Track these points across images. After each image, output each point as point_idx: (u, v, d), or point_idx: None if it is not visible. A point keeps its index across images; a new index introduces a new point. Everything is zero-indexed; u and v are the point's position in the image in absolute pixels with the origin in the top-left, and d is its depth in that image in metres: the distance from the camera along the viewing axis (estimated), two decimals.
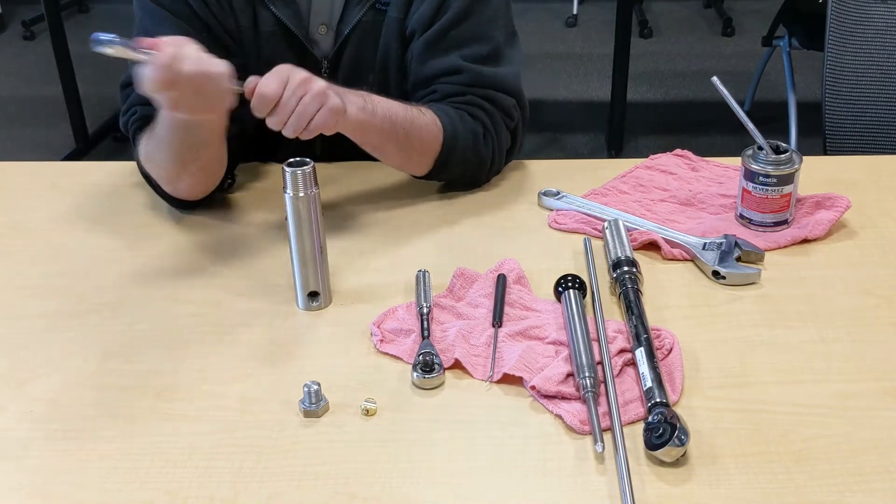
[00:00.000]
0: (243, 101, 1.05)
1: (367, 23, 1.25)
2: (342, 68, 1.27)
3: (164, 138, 1.10)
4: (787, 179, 1.12)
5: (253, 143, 1.32)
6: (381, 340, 0.96)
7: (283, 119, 1.03)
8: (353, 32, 1.25)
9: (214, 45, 1.20)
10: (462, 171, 1.24)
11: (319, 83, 1.04)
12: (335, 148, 1.33)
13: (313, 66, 1.26)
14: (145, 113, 1.18)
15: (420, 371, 0.90)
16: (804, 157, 1.15)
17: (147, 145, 1.15)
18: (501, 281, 1.02)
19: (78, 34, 4.55)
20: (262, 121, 1.30)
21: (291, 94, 1.02)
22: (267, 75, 1.03)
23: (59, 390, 0.91)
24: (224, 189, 1.25)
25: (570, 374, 0.89)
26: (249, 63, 1.25)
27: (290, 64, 1.05)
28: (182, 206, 1.22)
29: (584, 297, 1.00)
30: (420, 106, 1.20)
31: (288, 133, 1.04)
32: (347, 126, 1.11)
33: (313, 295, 1.02)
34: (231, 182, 1.26)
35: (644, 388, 0.86)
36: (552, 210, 1.21)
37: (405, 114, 1.17)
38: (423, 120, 1.19)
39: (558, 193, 1.23)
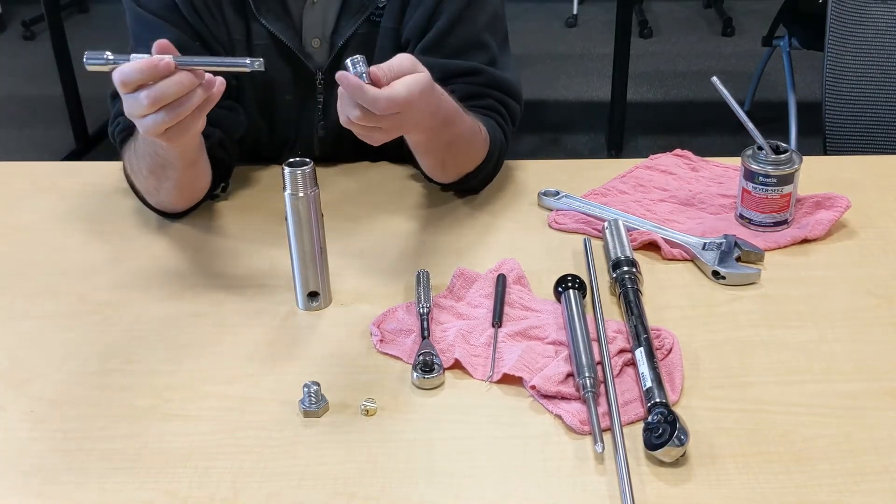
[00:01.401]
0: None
1: (361, 34, 1.23)
2: None
3: (141, 151, 1.10)
4: (787, 179, 1.12)
5: (256, 149, 1.32)
6: (381, 340, 0.96)
7: (356, 121, 0.95)
8: (347, 44, 1.23)
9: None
10: (481, 181, 1.25)
11: (394, 134, 0.98)
12: (336, 150, 1.33)
13: (308, 79, 1.26)
14: (128, 123, 1.17)
15: (420, 371, 0.90)
16: (804, 157, 1.15)
17: (130, 157, 1.15)
18: (501, 281, 1.02)
19: (78, 34, 4.57)
20: (271, 128, 1.31)
21: (379, 121, 0.95)
22: (408, 91, 0.94)
23: (59, 390, 0.91)
24: (216, 196, 1.24)
25: (569, 374, 0.89)
26: (243, 76, 1.25)
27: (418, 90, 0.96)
28: (167, 216, 1.21)
29: (584, 297, 1.00)
30: (480, 121, 1.17)
31: (342, 116, 0.97)
32: (408, 137, 1.09)
33: (313, 295, 1.02)
34: (225, 186, 1.25)
35: (644, 388, 0.86)
36: (552, 210, 1.21)
37: (470, 136, 1.14)
38: (479, 141, 1.17)
39: (558, 193, 1.23)
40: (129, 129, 1.17)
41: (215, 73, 0.95)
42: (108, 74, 0.94)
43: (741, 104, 1.14)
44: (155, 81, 0.90)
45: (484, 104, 1.22)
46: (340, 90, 0.95)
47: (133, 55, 0.92)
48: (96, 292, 1.07)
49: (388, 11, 1.22)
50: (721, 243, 1.09)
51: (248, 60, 0.94)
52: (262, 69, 0.94)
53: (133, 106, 0.92)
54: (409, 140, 1.11)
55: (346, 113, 0.95)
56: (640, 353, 0.90)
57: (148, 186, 1.15)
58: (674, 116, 3.72)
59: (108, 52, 0.93)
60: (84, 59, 0.93)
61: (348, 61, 0.93)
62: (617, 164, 1.32)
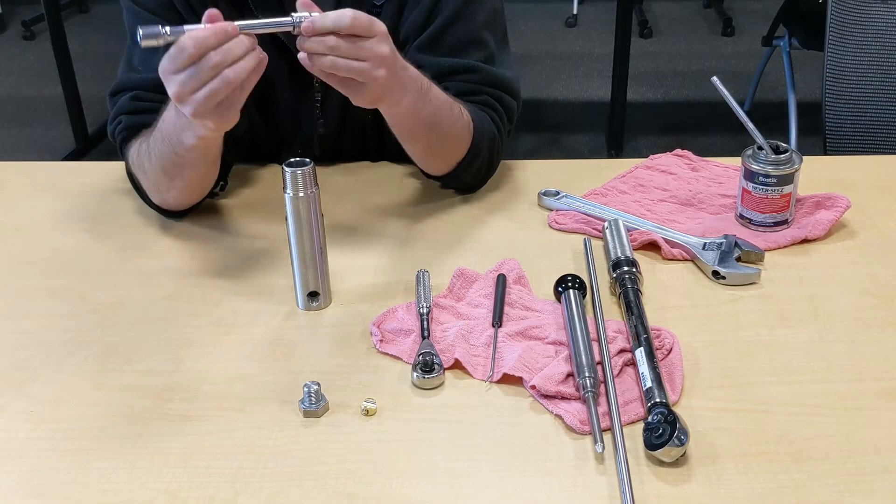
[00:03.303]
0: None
1: None
2: None
3: (157, 152, 1.09)
4: (787, 179, 1.12)
5: (256, 148, 1.32)
6: (381, 340, 0.96)
7: (323, 56, 0.96)
8: None
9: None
10: (474, 176, 1.24)
11: (382, 72, 0.98)
12: (336, 149, 1.33)
13: (306, 78, 1.26)
14: (130, 122, 1.18)
15: (420, 371, 0.90)
16: (804, 157, 1.16)
17: (139, 155, 1.14)
18: (501, 281, 1.02)
19: (78, 34, 4.57)
20: (269, 127, 1.30)
21: (357, 51, 0.95)
22: (365, 19, 0.96)
23: (59, 390, 0.91)
24: (215, 194, 1.24)
25: (570, 374, 0.89)
26: None
27: (386, 49, 0.97)
28: (169, 215, 1.21)
29: (584, 297, 1.00)
30: (461, 104, 1.18)
31: (315, 64, 0.97)
32: (388, 111, 1.08)
33: (313, 295, 1.02)
34: (223, 185, 1.25)
35: (644, 388, 0.86)
36: (552, 210, 1.21)
37: (448, 116, 1.14)
38: (461, 123, 1.17)
39: (558, 193, 1.23)
40: (132, 128, 1.17)
41: (265, 35, 0.97)
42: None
43: (741, 104, 1.14)
44: (218, 41, 0.91)
45: (479, 101, 1.22)
46: (305, 43, 0.96)
47: (186, 26, 0.93)
48: (96, 292, 1.07)
49: (386, 10, 1.22)
50: (721, 243, 1.09)
51: (290, 18, 0.96)
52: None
53: (191, 79, 0.91)
54: (393, 120, 1.11)
55: (321, 49, 0.95)
56: (640, 353, 0.90)
57: (158, 184, 1.14)
58: (674, 116, 3.72)
59: (162, 27, 0.92)
60: (139, 37, 0.92)
61: (290, 20, 0.95)
62: (617, 164, 1.32)
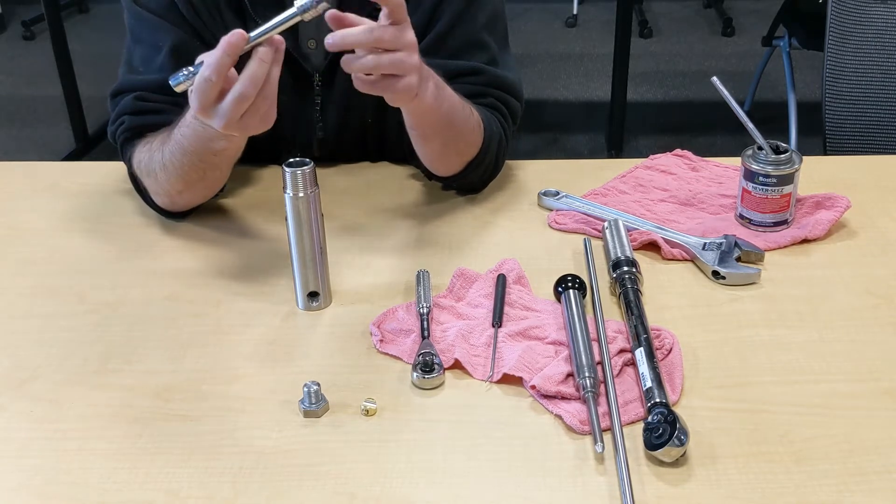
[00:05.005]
0: None
1: None
2: (337, 82, 1.26)
3: (175, 161, 1.09)
4: (787, 179, 1.12)
5: (255, 150, 1.32)
6: (381, 340, 0.96)
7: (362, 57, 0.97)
8: None
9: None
10: (480, 176, 1.24)
11: (416, 59, 1.00)
12: (335, 152, 1.33)
13: (306, 80, 1.26)
14: (133, 123, 1.17)
15: (420, 371, 0.90)
16: (804, 157, 1.16)
17: (149, 162, 1.13)
18: (501, 281, 1.02)
19: (78, 34, 4.57)
20: (269, 129, 1.30)
21: (386, 39, 0.96)
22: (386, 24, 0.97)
23: (59, 390, 0.91)
24: (215, 194, 1.24)
25: (569, 374, 0.89)
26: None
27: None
28: (170, 216, 1.20)
29: (584, 297, 1.01)
30: (471, 104, 1.18)
31: (351, 67, 0.98)
32: (413, 108, 1.08)
33: (313, 295, 1.02)
34: (223, 186, 1.25)
35: (644, 389, 0.86)
36: (552, 210, 1.21)
37: (462, 113, 1.15)
38: (473, 122, 1.17)
39: (558, 193, 1.23)
40: (135, 129, 1.17)
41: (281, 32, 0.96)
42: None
43: (741, 104, 1.14)
44: (234, 57, 0.92)
45: (486, 103, 1.22)
46: (353, 64, 0.96)
47: (201, 56, 0.94)
48: (96, 292, 1.07)
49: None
50: (721, 243, 1.09)
51: (294, 9, 0.94)
52: (329, 7, 0.95)
53: (232, 107, 0.93)
54: (415, 119, 1.10)
55: (365, 58, 0.96)
56: (640, 353, 0.90)
57: (170, 190, 1.14)
58: (674, 116, 3.72)
59: (184, 68, 0.94)
60: (170, 82, 0.96)
61: (295, 10, 0.94)
62: (617, 164, 1.32)
